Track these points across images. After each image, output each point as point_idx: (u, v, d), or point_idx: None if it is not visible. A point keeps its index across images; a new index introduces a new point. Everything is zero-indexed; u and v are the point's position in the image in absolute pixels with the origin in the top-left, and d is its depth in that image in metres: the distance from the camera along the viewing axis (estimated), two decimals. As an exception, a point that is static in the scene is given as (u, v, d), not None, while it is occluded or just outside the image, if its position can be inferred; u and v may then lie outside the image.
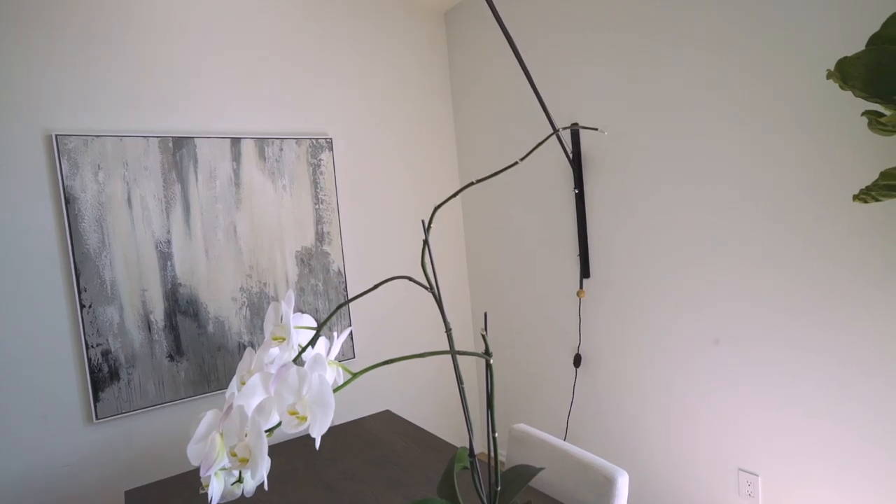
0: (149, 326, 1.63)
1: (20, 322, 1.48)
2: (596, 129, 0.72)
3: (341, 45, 2.02)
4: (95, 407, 1.55)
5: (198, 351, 1.70)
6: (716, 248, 1.44)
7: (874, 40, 0.74)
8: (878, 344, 1.14)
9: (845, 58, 0.75)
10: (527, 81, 1.72)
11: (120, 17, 1.61)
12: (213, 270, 1.73)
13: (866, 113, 0.78)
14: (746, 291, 1.38)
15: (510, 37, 1.52)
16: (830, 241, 1.20)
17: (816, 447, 1.27)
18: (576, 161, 1.78)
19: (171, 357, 1.66)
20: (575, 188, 1.79)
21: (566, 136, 1.81)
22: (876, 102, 0.72)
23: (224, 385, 1.74)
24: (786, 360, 1.32)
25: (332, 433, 1.43)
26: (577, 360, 1.88)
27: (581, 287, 1.84)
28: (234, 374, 1.73)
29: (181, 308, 1.68)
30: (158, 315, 1.65)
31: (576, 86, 1.77)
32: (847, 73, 0.75)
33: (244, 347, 1.78)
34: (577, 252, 1.85)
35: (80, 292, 1.53)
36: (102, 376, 1.57)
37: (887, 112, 0.74)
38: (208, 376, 1.72)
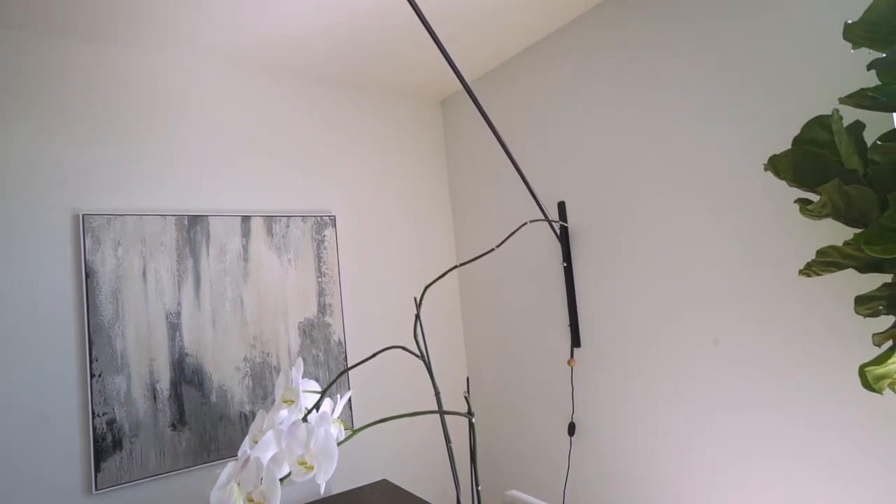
0: (154, 395, 1.69)
1: (32, 392, 1.54)
2: (559, 223, 0.83)
3: (345, 131, 2.22)
4: (96, 477, 1.58)
5: (200, 420, 1.75)
6: (698, 317, 1.53)
7: (796, 141, 0.88)
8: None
9: (775, 155, 0.89)
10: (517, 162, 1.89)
11: (145, 109, 1.80)
12: (219, 341, 1.81)
13: (798, 200, 0.91)
14: (732, 358, 1.46)
15: (494, 127, 1.69)
16: (796, 305, 1.30)
17: (803, 515, 1.30)
18: (563, 236, 1.91)
19: (173, 426, 1.70)
20: (563, 261, 1.91)
21: (554, 213, 1.95)
22: (805, 191, 0.83)
23: (223, 455, 1.76)
24: (771, 425, 1.37)
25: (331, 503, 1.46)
26: (572, 429, 1.91)
27: (572, 356, 1.91)
28: (233, 444, 1.77)
29: (187, 377, 1.74)
30: (164, 384, 1.71)
31: (563, 166, 1.94)
32: (778, 167, 0.89)
33: (245, 417, 1.82)
34: (568, 322, 1.93)
35: (91, 362, 1.61)
36: (106, 446, 1.60)
37: (814, 200, 0.86)
38: (208, 446, 1.75)
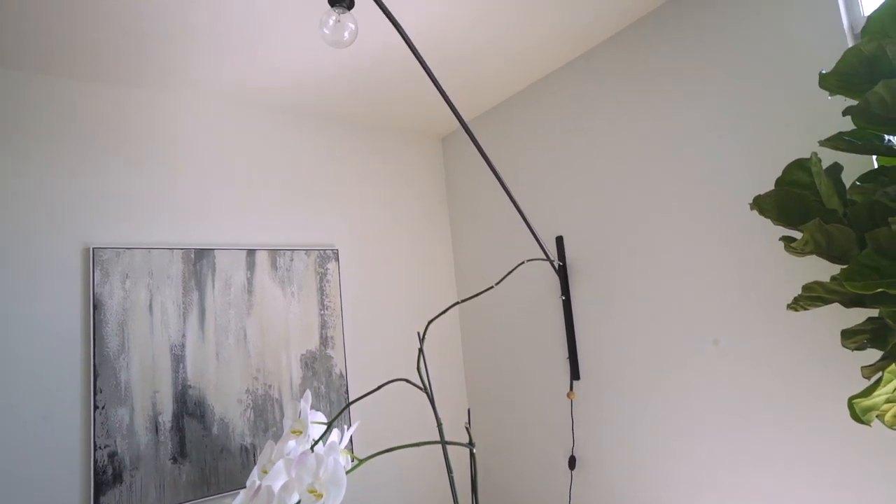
0: (156, 428, 1.70)
1: (35, 425, 1.55)
2: (556, 262, 0.88)
3: (348, 167, 2.29)
4: (96, 511, 1.58)
5: (201, 453, 1.75)
6: (694, 349, 1.56)
7: (779, 183, 0.93)
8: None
9: (759, 195, 0.95)
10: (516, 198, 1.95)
11: (154, 146, 1.87)
12: (221, 373, 1.83)
13: (782, 238, 0.96)
14: (731, 389, 1.48)
15: (492, 164, 1.75)
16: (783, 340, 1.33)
17: (803, 550, 1.30)
18: (562, 270, 1.95)
19: (174, 459, 1.71)
20: (562, 295, 1.95)
21: (552, 247, 2.00)
22: (790, 229, 0.88)
23: (223, 489, 1.76)
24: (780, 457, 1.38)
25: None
26: (572, 463, 1.91)
27: (571, 389, 1.92)
28: (233, 477, 1.77)
29: (189, 410, 1.76)
30: (167, 416, 1.72)
31: (560, 201, 2.00)
32: (762, 206, 0.94)
33: (246, 450, 1.83)
34: (567, 355, 1.96)
35: (95, 394, 1.62)
36: (106, 479, 1.60)
37: (797, 238, 0.91)
38: (209, 479, 1.75)
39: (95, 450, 1.60)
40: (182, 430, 1.73)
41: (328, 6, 1.07)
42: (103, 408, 1.63)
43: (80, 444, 1.60)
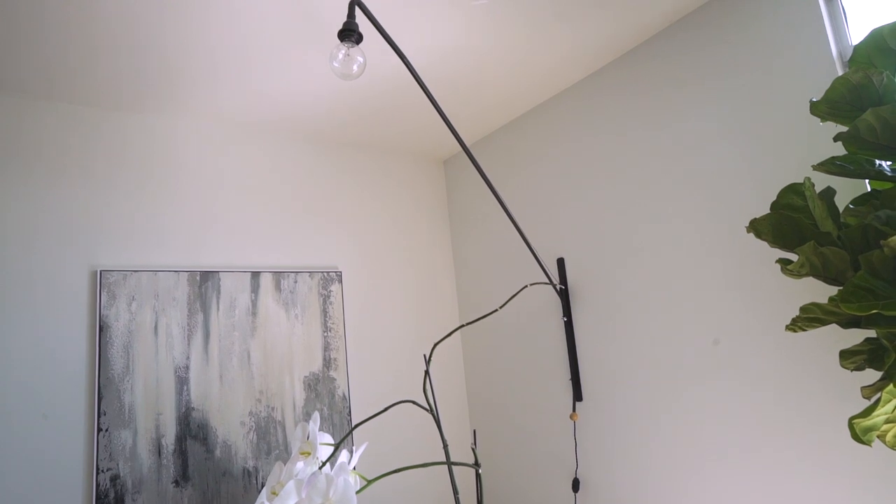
0: (159, 451, 1.70)
1: (39, 447, 1.55)
2: (558, 285, 0.90)
3: (351, 190, 2.32)
4: (97, 536, 1.57)
5: (203, 476, 1.75)
6: (696, 370, 1.57)
7: (774, 206, 0.96)
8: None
9: (755, 218, 0.97)
10: (517, 221, 1.98)
11: (162, 171, 1.91)
12: (225, 395, 1.84)
13: (779, 260, 0.98)
14: (734, 410, 1.49)
15: (493, 187, 1.79)
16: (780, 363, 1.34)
17: (809, 573, 1.29)
18: (563, 292, 1.97)
19: (176, 482, 1.70)
20: (564, 316, 1.96)
21: (553, 268, 2.02)
22: (786, 251, 0.91)
23: (225, 513, 1.75)
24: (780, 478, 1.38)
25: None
26: (576, 485, 1.90)
27: (574, 410, 1.92)
28: (235, 501, 1.76)
29: (192, 432, 1.76)
30: (170, 439, 1.72)
31: (562, 223, 2.02)
32: (758, 229, 0.96)
33: (248, 473, 1.82)
34: (569, 376, 1.96)
35: (99, 416, 1.63)
36: (108, 502, 1.60)
37: (794, 260, 0.93)
38: (210, 503, 1.74)
39: (98, 473, 1.60)
40: (185, 453, 1.73)
41: (338, 41, 1.12)
42: (107, 430, 1.63)
43: (83, 466, 1.60)
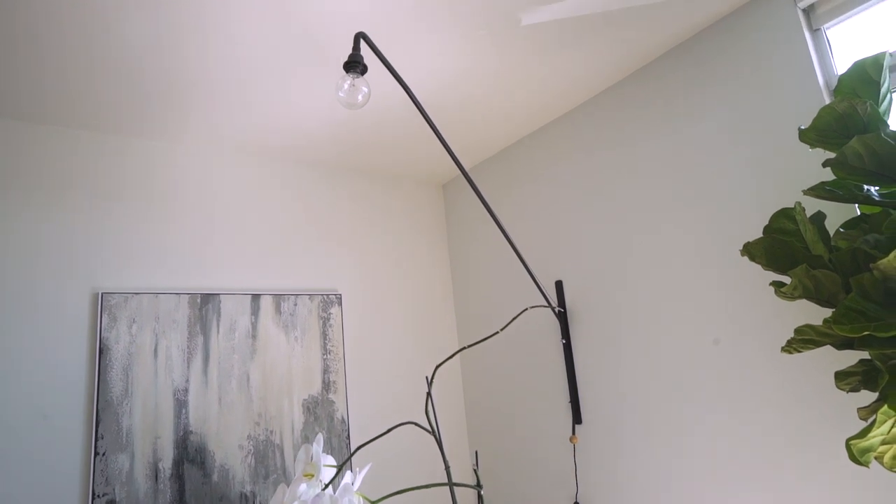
0: (156, 475, 1.68)
1: (35, 471, 1.54)
2: (557, 308, 0.92)
3: (350, 213, 2.35)
4: (91, 563, 1.54)
5: (200, 501, 1.73)
6: (695, 393, 1.57)
7: (766, 230, 0.98)
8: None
9: (749, 242, 1.00)
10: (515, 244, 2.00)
11: (163, 195, 1.94)
12: (223, 418, 1.83)
13: (773, 283, 1.00)
14: (734, 432, 1.49)
15: (492, 211, 1.82)
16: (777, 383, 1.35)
17: None
18: (561, 315, 1.98)
19: (173, 508, 1.68)
20: (563, 338, 1.97)
21: (552, 291, 2.03)
22: (779, 274, 0.93)
23: (221, 539, 1.73)
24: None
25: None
26: (576, 511, 1.88)
27: (574, 433, 1.92)
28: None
29: (189, 456, 1.74)
30: (167, 463, 1.70)
31: (560, 246, 2.05)
32: (752, 252, 0.99)
33: (245, 498, 1.80)
34: (569, 399, 1.96)
35: (97, 440, 1.62)
36: (103, 529, 1.58)
37: (786, 282, 0.96)
38: (207, 529, 1.72)
39: (94, 498, 1.58)
40: (182, 478, 1.72)
41: (343, 72, 1.16)
42: (104, 454, 1.62)
43: (79, 491, 1.58)
